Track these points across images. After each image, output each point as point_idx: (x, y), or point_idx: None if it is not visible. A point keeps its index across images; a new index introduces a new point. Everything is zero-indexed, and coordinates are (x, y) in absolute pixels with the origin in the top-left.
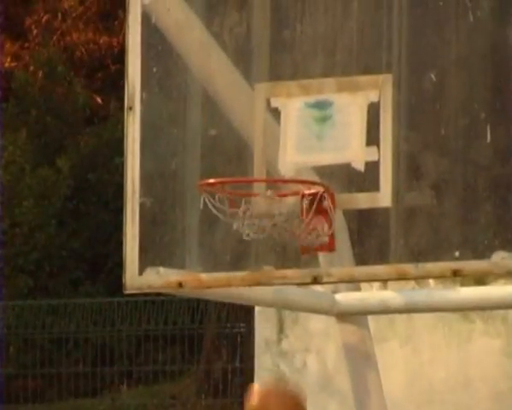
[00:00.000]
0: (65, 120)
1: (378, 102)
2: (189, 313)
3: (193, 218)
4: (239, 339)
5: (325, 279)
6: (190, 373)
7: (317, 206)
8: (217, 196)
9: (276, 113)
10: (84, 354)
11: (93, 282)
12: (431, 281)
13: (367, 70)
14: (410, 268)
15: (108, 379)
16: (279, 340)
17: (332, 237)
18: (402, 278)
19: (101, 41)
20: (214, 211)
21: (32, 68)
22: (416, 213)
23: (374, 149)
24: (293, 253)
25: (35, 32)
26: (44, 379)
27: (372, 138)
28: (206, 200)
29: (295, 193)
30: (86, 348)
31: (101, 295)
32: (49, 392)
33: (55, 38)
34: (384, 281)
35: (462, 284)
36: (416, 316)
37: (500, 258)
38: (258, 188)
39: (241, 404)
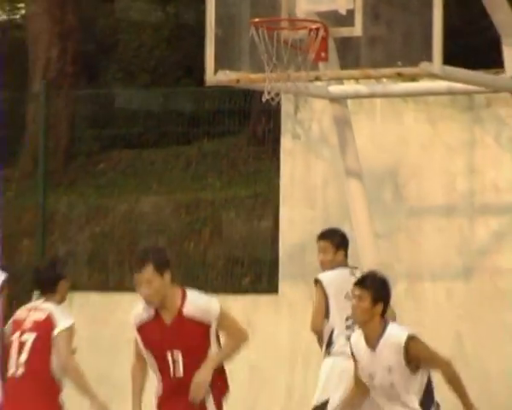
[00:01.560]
0: None
1: None
2: (243, 96)
3: (246, 42)
4: (272, 112)
5: (323, 78)
6: (244, 132)
7: (318, 35)
8: (260, 29)
9: None
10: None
11: (188, 78)
12: (384, 79)
13: None
14: (372, 72)
15: (195, 135)
16: (296, 113)
17: (326, 52)
18: (367, 77)
19: None
20: (257, 39)
21: None
22: (376, 40)
23: (351, 0)
24: (304, 63)
25: None
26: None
27: None
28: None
29: (305, 27)
30: (183, 119)
31: (192, 85)
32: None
33: None
34: (357, 79)
35: (403, 81)
36: (375, 100)
37: (425, 65)
38: (285, 24)
39: (273, 149)
